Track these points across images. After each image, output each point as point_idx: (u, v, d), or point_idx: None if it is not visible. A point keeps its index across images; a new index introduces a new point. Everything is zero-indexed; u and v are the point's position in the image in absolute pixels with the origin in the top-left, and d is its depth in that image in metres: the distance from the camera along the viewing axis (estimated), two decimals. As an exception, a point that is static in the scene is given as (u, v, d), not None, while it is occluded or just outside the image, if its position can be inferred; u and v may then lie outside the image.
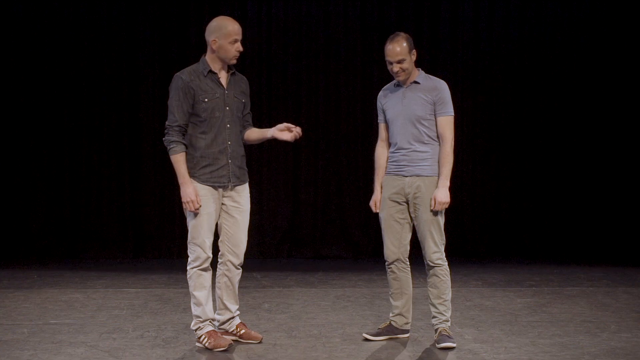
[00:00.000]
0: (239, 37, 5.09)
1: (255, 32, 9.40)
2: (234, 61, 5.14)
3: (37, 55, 9.36)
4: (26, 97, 9.38)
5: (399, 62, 5.16)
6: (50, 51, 9.37)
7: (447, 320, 5.25)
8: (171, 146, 5.03)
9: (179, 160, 5.03)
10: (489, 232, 9.69)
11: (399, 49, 5.16)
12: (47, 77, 9.38)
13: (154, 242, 9.51)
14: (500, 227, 9.68)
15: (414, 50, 5.22)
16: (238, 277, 5.30)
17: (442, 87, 5.24)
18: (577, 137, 9.67)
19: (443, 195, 5.14)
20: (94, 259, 9.30)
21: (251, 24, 9.34)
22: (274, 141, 9.17)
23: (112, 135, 9.47)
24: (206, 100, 5.05)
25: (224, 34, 5.04)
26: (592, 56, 9.65)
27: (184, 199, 5.04)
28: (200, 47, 9.28)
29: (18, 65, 9.35)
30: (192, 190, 5.02)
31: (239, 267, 5.28)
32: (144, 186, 9.48)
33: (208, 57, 5.14)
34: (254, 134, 5.35)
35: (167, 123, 5.07)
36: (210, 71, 5.10)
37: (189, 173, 5.05)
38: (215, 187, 5.10)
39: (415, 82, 5.25)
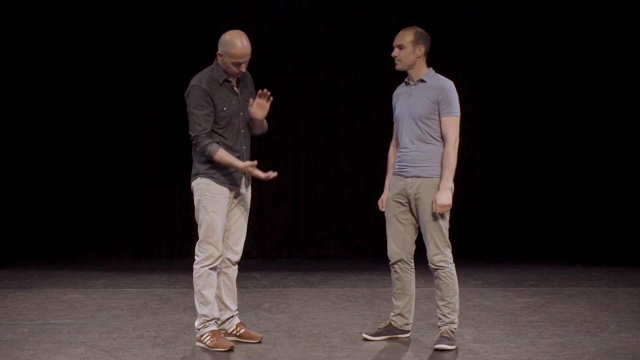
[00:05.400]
0: (243, 62, 5.02)
1: (256, 32, 9.38)
2: (233, 78, 5.12)
3: (37, 55, 9.35)
4: (26, 97, 9.37)
5: (399, 47, 5.17)
6: (50, 51, 9.37)
7: (452, 322, 5.17)
8: (208, 149, 5.00)
9: (223, 156, 5.02)
10: (489, 232, 9.69)
11: (403, 35, 5.18)
12: (47, 77, 9.38)
13: (154, 242, 9.51)
14: (500, 227, 9.68)
15: (421, 45, 5.19)
16: (235, 274, 5.31)
17: (448, 87, 5.17)
18: (578, 137, 9.66)
19: (444, 198, 5.04)
20: (94, 259, 9.30)
21: (251, 24, 9.33)
22: (273, 141, 9.34)
23: (112, 135, 9.47)
24: (225, 109, 5.07)
25: (230, 54, 4.99)
26: (591, 56, 9.64)
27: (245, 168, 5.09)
28: (199, 48, 9.45)
29: (18, 65, 9.35)
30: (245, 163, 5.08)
31: (236, 264, 5.30)
32: (144, 186, 9.48)
33: (220, 63, 5.12)
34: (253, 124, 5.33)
35: (193, 134, 5.02)
36: (226, 80, 5.10)
37: (207, 174, 5.07)
38: (231, 189, 5.13)
39: (422, 81, 5.22)
